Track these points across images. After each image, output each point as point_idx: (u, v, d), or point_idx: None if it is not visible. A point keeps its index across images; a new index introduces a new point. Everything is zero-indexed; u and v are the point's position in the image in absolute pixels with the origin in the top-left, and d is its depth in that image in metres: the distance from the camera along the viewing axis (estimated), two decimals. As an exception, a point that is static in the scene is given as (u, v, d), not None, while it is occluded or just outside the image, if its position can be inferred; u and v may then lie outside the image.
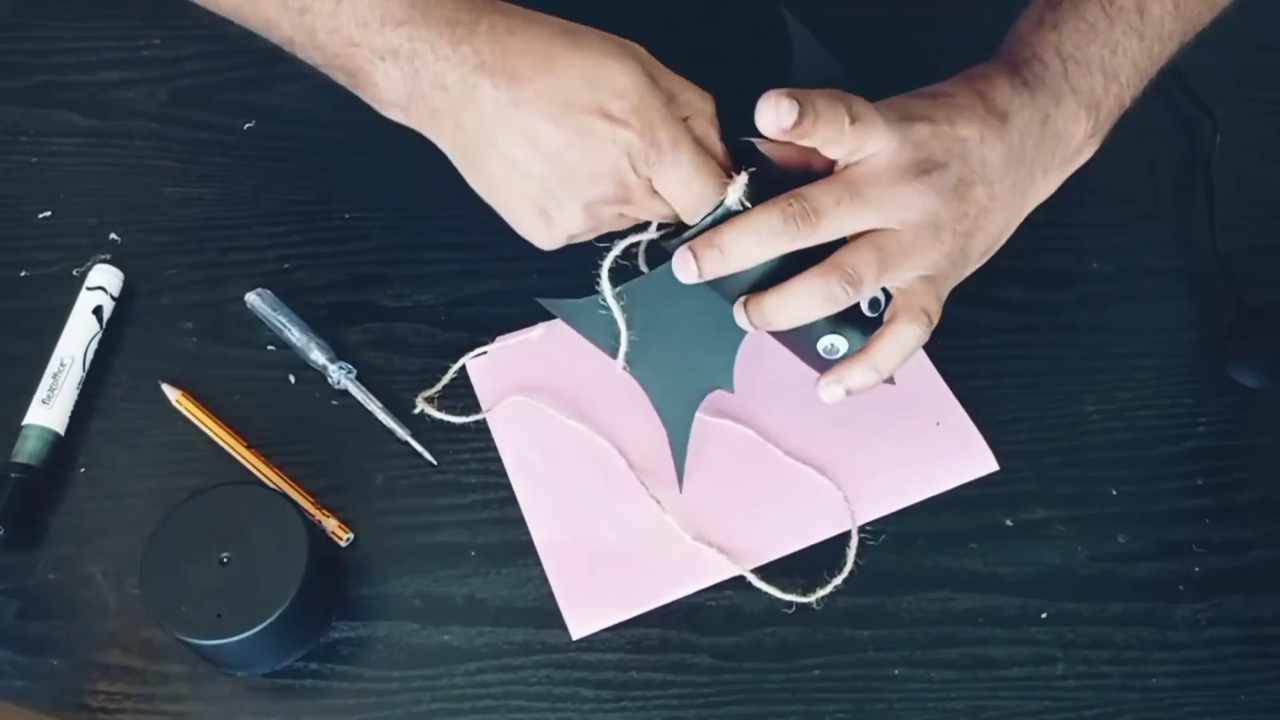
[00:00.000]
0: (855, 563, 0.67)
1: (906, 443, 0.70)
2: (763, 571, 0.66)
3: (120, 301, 0.74)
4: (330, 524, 0.67)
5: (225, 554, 0.60)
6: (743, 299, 0.60)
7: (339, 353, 0.72)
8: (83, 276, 0.74)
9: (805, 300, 0.58)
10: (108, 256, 0.75)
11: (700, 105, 0.59)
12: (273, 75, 0.83)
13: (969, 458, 0.70)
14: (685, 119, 0.58)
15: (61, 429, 0.69)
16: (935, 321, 0.60)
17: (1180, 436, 0.73)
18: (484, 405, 0.71)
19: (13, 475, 0.67)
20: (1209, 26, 0.64)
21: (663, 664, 0.65)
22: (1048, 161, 0.60)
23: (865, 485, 0.69)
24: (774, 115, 0.54)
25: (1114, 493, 0.70)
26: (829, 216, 0.57)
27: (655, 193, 0.58)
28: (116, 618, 0.65)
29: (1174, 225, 0.80)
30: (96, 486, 0.68)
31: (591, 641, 0.65)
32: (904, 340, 0.59)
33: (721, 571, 0.66)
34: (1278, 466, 0.72)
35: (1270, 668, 0.66)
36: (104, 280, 0.73)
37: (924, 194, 0.57)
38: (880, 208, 0.57)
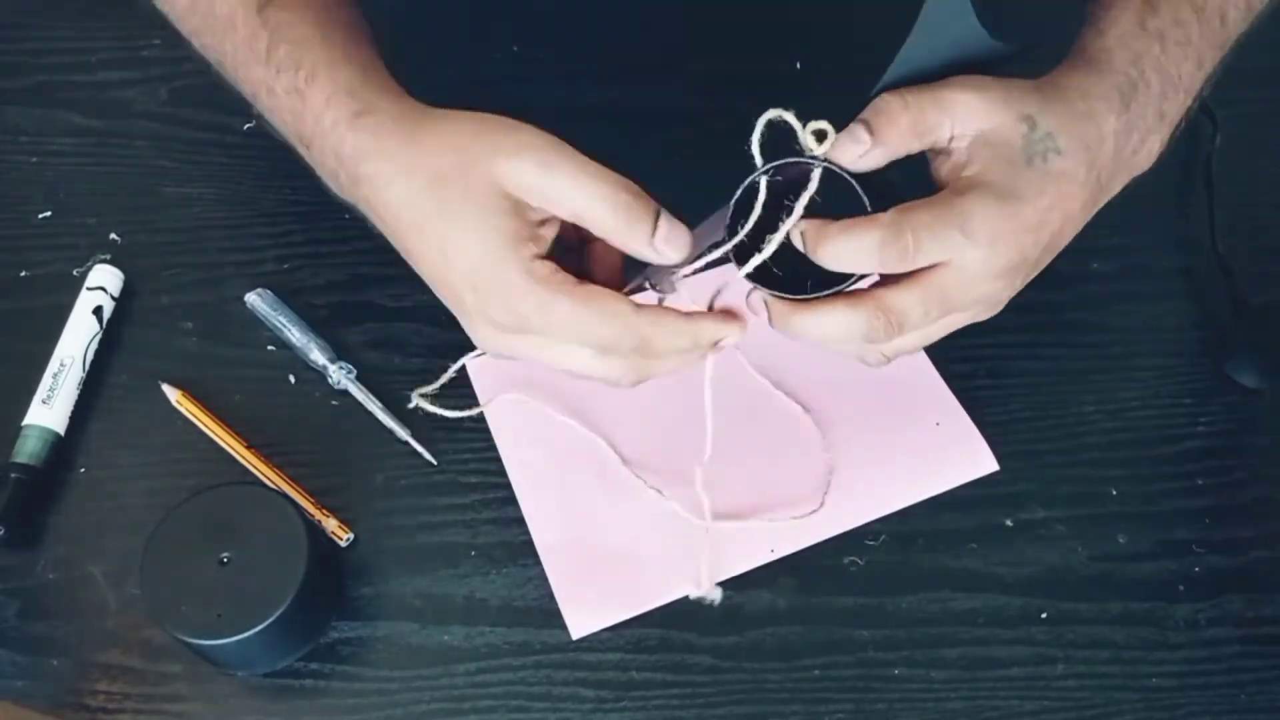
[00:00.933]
0: (854, 560, 0.67)
1: (906, 443, 0.70)
2: (762, 571, 0.66)
3: (120, 301, 0.74)
4: (330, 524, 0.67)
5: (225, 554, 0.60)
6: (765, 295, 0.55)
7: (339, 353, 0.72)
8: (83, 276, 0.74)
9: (837, 331, 0.54)
10: (108, 256, 0.75)
11: (597, 211, 0.52)
12: (273, 75, 0.83)
13: (969, 458, 0.70)
14: (580, 240, 0.56)
15: (61, 429, 0.69)
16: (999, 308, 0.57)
17: (1180, 436, 0.72)
18: (483, 403, 0.71)
19: (13, 475, 0.67)
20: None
21: (663, 664, 0.65)
22: (1119, 182, 0.58)
23: (865, 485, 0.69)
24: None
25: (1114, 493, 0.70)
26: (913, 326, 0.54)
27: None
28: (116, 618, 0.65)
29: (1174, 225, 0.80)
30: (96, 486, 0.68)
31: (591, 641, 0.65)
32: (955, 323, 0.57)
33: (721, 571, 0.66)
34: (1278, 466, 0.72)
35: (1270, 668, 0.66)
36: (104, 280, 0.73)
37: (1005, 293, 0.55)
38: (967, 308, 0.55)
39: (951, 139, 0.53)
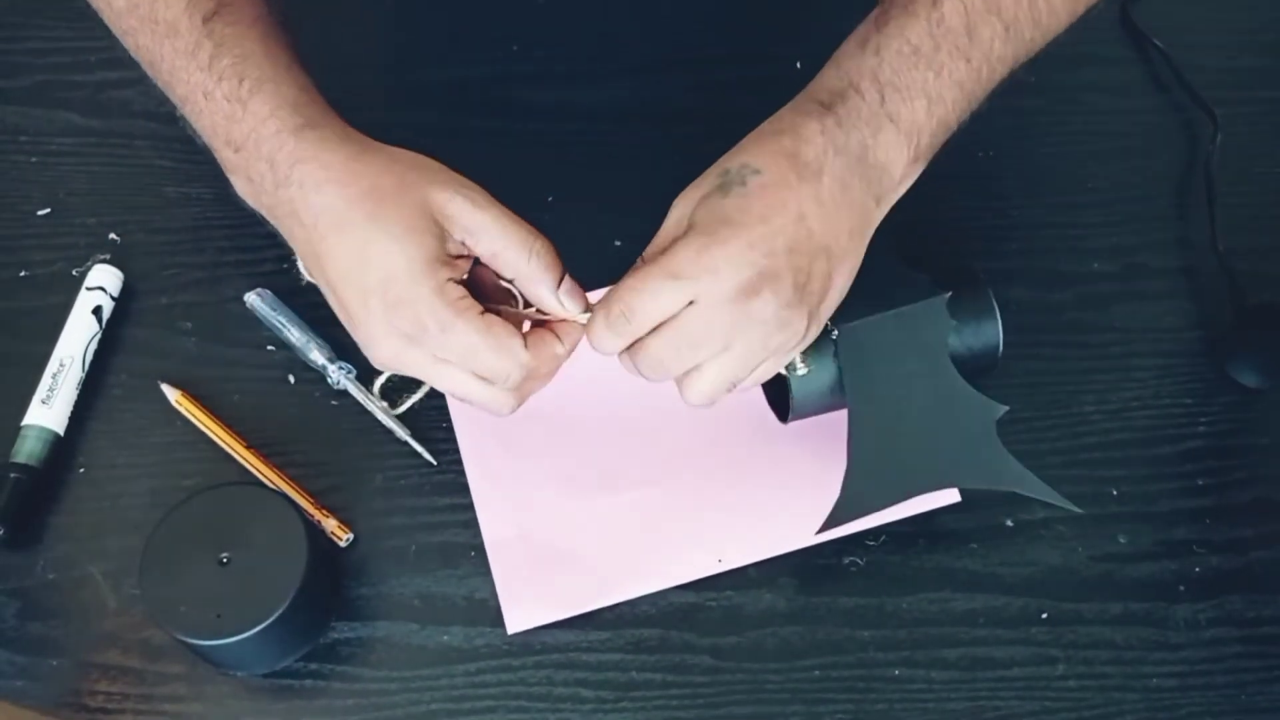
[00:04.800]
0: (854, 560, 0.67)
1: None
2: (726, 575, 0.67)
3: (120, 301, 0.74)
4: (330, 524, 0.67)
5: (225, 554, 0.60)
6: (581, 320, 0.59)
7: (339, 353, 0.72)
8: (82, 276, 0.73)
9: (627, 366, 0.58)
10: (107, 256, 0.75)
11: (513, 253, 0.56)
12: (272, 75, 0.83)
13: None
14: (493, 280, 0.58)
15: (61, 429, 0.69)
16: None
17: (1180, 436, 0.73)
18: (449, 398, 0.71)
19: (12, 475, 0.67)
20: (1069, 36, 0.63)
21: (663, 664, 0.65)
22: (875, 193, 0.58)
23: (820, 504, 0.67)
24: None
25: (1114, 493, 0.70)
26: (671, 367, 0.57)
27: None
28: (116, 618, 0.65)
29: (1174, 225, 0.80)
30: (96, 486, 0.68)
31: (592, 641, 0.65)
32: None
33: (669, 578, 0.67)
34: (1278, 466, 0.72)
35: (1270, 668, 0.66)
36: (103, 280, 0.73)
37: (764, 311, 0.55)
38: (727, 343, 0.56)
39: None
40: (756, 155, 0.56)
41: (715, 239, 0.54)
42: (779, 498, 0.69)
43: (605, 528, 0.68)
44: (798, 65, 0.84)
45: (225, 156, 0.59)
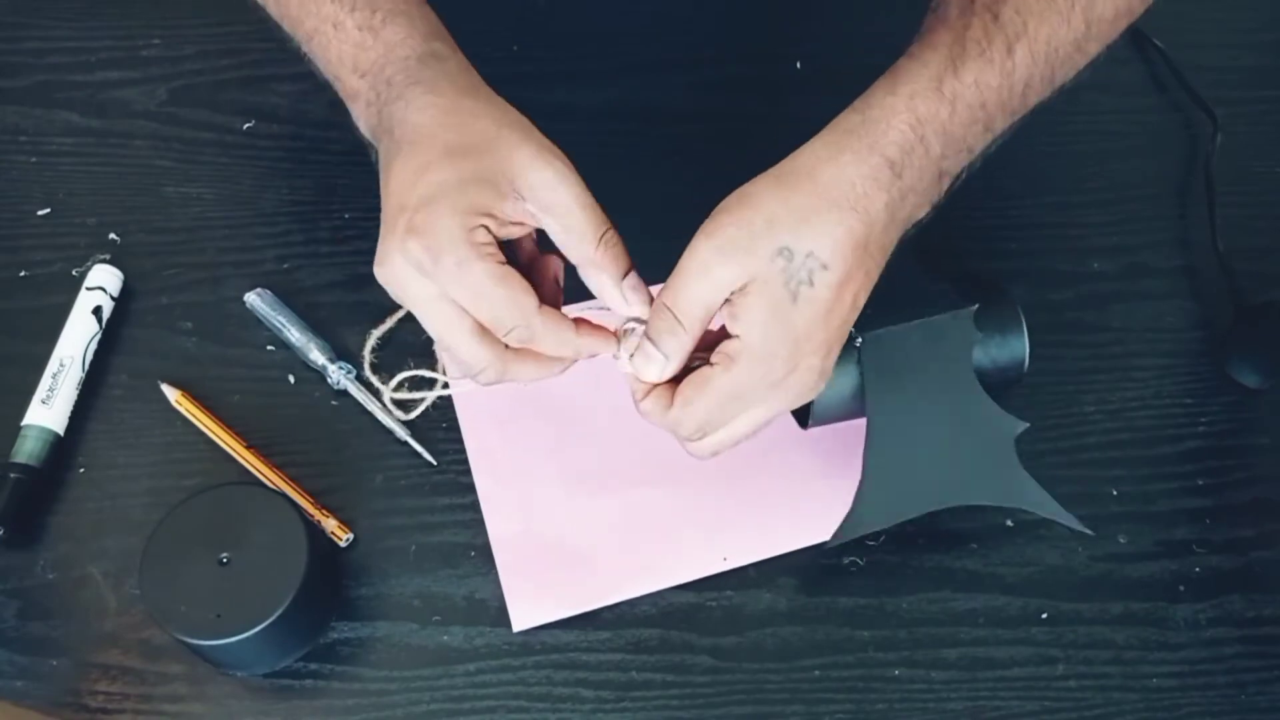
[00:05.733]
0: (854, 560, 0.67)
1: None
2: (726, 575, 0.67)
3: (119, 301, 0.74)
4: (330, 524, 0.67)
5: (225, 554, 0.60)
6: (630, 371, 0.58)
7: (339, 353, 0.72)
8: (82, 276, 0.73)
9: (653, 418, 0.58)
10: (107, 256, 0.75)
11: (584, 236, 0.55)
12: (272, 75, 0.83)
13: None
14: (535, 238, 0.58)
15: (61, 429, 0.69)
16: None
17: (1180, 436, 0.73)
18: (455, 396, 0.71)
19: (12, 475, 0.67)
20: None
21: (663, 664, 0.65)
22: (897, 237, 0.57)
23: (823, 506, 0.68)
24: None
25: (1114, 493, 0.70)
26: (712, 425, 0.57)
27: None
28: (116, 618, 0.65)
29: (1174, 225, 0.80)
30: (96, 486, 0.68)
31: (592, 641, 0.65)
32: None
33: (674, 576, 0.67)
34: (1278, 466, 0.72)
35: (1270, 668, 0.66)
36: (103, 280, 0.73)
37: (803, 381, 0.56)
38: (763, 400, 0.57)
39: (727, 299, 0.55)
40: (822, 242, 0.53)
41: (787, 363, 0.54)
42: (785, 496, 0.69)
43: (611, 525, 0.68)
44: (798, 65, 0.84)
45: (350, 83, 0.60)
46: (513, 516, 0.68)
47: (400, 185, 0.55)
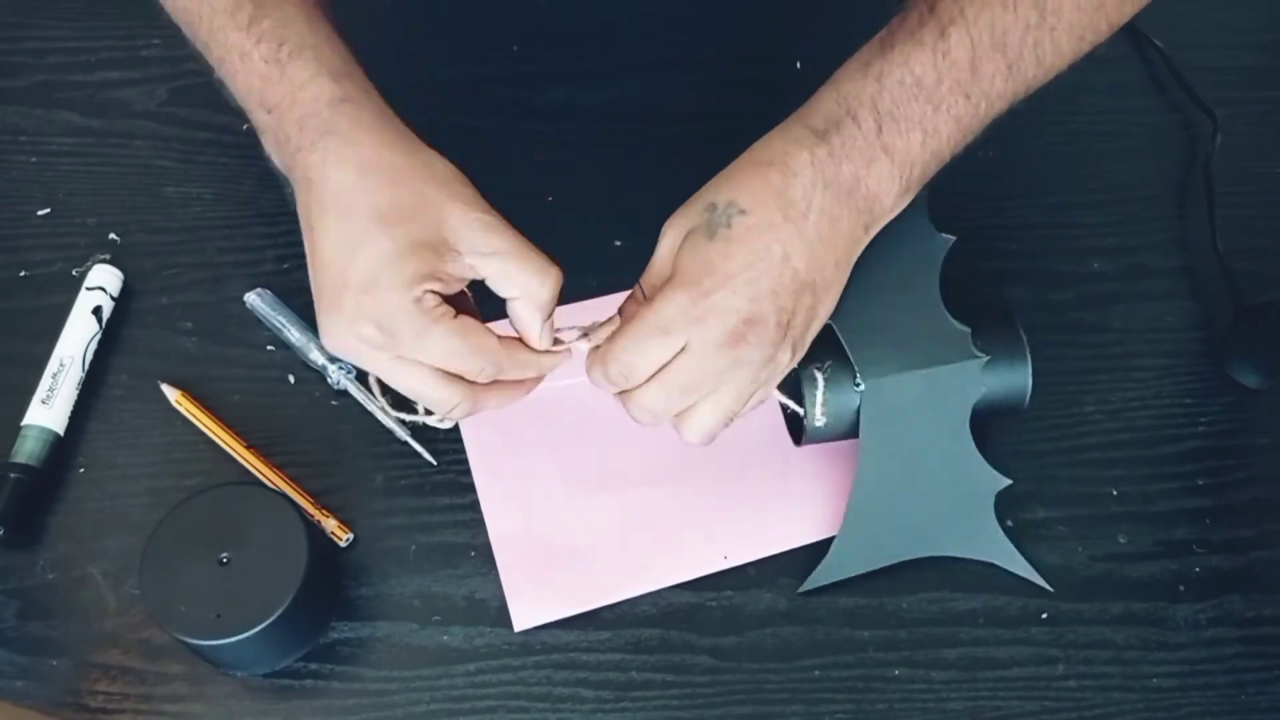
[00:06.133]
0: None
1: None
2: (726, 575, 0.67)
3: (119, 301, 0.74)
4: (330, 524, 0.67)
5: (225, 554, 0.60)
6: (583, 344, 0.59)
7: (339, 353, 0.72)
8: (82, 276, 0.73)
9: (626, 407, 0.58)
10: (107, 256, 0.75)
11: (526, 287, 0.56)
12: (272, 75, 0.83)
13: None
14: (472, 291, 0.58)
15: (61, 429, 0.69)
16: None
17: (1180, 436, 0.73)
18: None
19: (12, 475, 0.67)
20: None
21: (663, 664, 0.65)
22: (864, 221, 0.58)
23: (823, 505, 0.69)
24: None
25: (1114, 493, 0.70)
26: (662, 411, 0.57)
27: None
28: (116, 618, 0.65)
29: (1174, 225, 0.80)
30: (96, 486, 0.68)
31: (592, 641, 0.65)
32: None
33: (675, 575, 0.67)
34: (1278, 466, 0.72)
35: (1270, 668, 0.66)
36: (103, 280, 0.73)
37: (751, 354, 0.56)
38: (717, 384, 0.57)
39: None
40: (743, 191, 0.56)
41: (700, 289, 0.55)
42: (784, 494, 0.69)
43: (611, 525, 0.68)
44: (798, 65, 0.84)
45: (258, 117, 0.59)
46: (513, 516, 0.68)
47: (335, 257, 0.55)
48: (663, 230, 0.58)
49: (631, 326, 0.56)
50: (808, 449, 0.68)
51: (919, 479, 0.65)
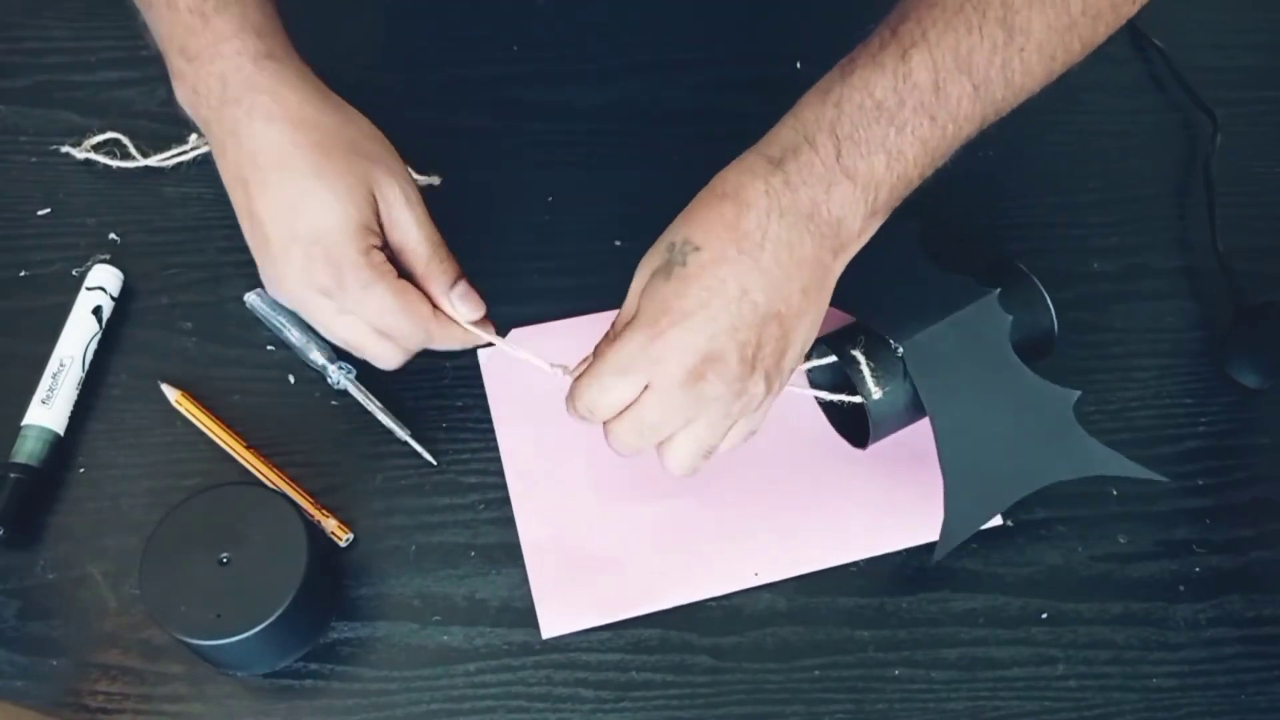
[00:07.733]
0: (855, 562, 0.67)
1: (903, 493, 0.69)
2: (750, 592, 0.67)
3: (120, 301, 0.74)
4: (330, 524, 0.67)
5: (225, 554, 0.60)
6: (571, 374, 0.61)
7: (339, 353, 0.72)
8: (82, 276, 0.73)
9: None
10: (107, 256, 0.75)
11: (422, 249, 0.62)
12: (272, 75, 0.83)
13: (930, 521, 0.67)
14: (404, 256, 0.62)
15: (61, 429, 0.69)
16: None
17: (1180, 436, 0.73)
18: (491, 398, 0.71)
19: (12, 475, 0.67)
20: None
21: (663, 664, 0.65)
22: (832, 246, 0.57)
23: (852, 526, 0.68)
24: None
25: (1114, 493, 0.70)
26: (633, 446, 0.59)
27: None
28: (116, 618, 0.65)
29: (1174, 225, 0.80)
30: (95, 486, 0.68)
31: (592, 641, 0.65)
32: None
33: (705, 589, 0.66)
34: (1278, 466, 0.72)
35: (1270, 668, 0.66)
36: (103, 280, 0.73)
37: (713, 390, 0.57)
38: (688, 419, 0.58)
39: None
40: (697, 228, 0.57)
41: (656, 330, 0.56)
42: (817, 513, 0.69)
43: (643, 535, 0.68)
44: (798, 65, 0.84)
45: (177, 64, 0.61)
46: (544, 520, 0.68)
47: (276, 213, 0.59)
48: (636, 270, 0.59)
49: (594, 365, 0.58)
50: (845, 464, 0.68)
51: (995, 420, 0.64)
